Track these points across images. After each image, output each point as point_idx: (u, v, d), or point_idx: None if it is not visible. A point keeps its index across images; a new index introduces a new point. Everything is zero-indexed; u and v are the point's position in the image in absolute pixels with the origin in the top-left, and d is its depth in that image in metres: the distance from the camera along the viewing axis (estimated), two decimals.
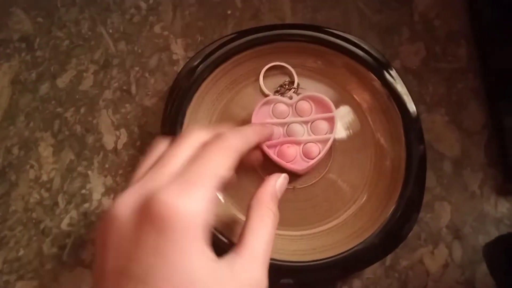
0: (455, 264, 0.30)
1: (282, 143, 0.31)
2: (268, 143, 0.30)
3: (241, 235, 0.20)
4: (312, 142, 0.31)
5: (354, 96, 0.33)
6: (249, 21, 0.37)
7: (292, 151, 0.30)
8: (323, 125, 0.31)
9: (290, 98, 0.32)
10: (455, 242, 0.31)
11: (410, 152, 0.30)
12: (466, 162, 0.33)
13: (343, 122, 0.33)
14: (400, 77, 0.32)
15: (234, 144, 0.21)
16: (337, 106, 0.33)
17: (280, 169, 0.30)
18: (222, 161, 0.20)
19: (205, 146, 0.21)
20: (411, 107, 0.31)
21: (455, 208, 0.32)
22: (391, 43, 0.36)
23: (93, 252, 0.20)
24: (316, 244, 0.29)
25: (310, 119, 0.31)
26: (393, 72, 0.32)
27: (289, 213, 0.30)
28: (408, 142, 0.30)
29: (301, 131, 0.31)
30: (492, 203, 0.32)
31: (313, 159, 0.30)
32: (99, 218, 0.33)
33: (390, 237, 0.28)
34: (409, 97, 0.32)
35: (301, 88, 0.34)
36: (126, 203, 0.18)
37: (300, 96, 0.32)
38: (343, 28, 0.36)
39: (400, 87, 0.32)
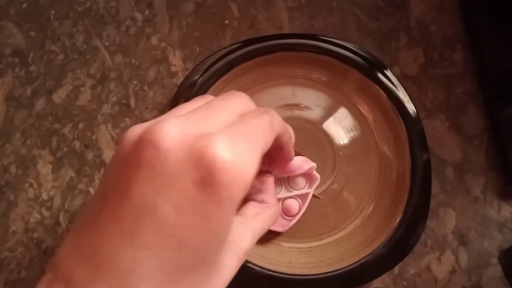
0: (462, 269, 0.30)
1: None
2: None
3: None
4: (292, 197, 0.29)
5: (357, 105, 0.33)
6: (247, 30, 0.37)
7: None
8: (301, 180, 0.29)
9: None
10: (461, 247, 0.31)
11: (415, 159, 0.30)
12: (467, 167, 0.33)
13: (345, 129, 0.33)
14: (400, 84, 0.32)
15: (277, 124, 0.20)
16: (338, 114, 0.33)
17: None
18: (269, 134, 0.19)
19: (255, 113, 0.19)
20: (414, 114, 0.32)
21: (460, 214, 0.32)
22: (389, 49, 0.37)
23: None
24: (325, 256, 0.29)
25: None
26: (394, 79, 0.33)
27: (297, 225, 0.29)
28: (412, 149, 0.31)
29: (278, 188, 0.29)
30: (495, 207, 0.32)
31: (294, 216, 0.29)
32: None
33: (398, 246, 0.28)
34: (411, 104, 0.32)
35: None
36: (174, 134, 0.16)
37: None
38: (341, 35, 0.37)
39: (402, 95, 0.32)
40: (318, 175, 0.29)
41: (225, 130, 0.17)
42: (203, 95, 0.21)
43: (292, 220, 0.29)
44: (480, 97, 0.35)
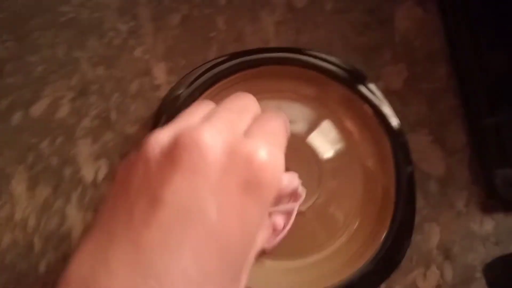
0: (447, 285, 0.31)
1: None
2: None
3: None
4: (276, 213, 0.28)
5: (341, 118, 0.33)
6: (233, 43, 0.36)
7: None
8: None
9: None
10: (446, 262, 0.31)
11: (399, 173, 0.30)
12: (451, 181, 0.34)
13: (329, 142, 0.33)
14: (385, 98, 0.32)
15: (286, 128, 0.21)
16: (322, 127, 0.33)
17: None
18: (286, 136, 0.20)
19: (272, 116, 0.20)
20: (398, 128, 0.32)
21: (444, 228, 0.32)
22: (374, 64, 0.37)
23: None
24: (312, 275, 0.28)
25: None
26: (379, 94, 0.33)
27: (282, 243, 0.29)
28: (396, 163, 0.31)
29: None
30: (478, 220, 0.33)
31: (279, 232, 0.27)
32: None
33: (385, 263, 0.28)
34: (396, 118, 0.32)
35: None
36: (216, 139, 0.16)
37: None
38: (327, 49, 0.37)
39: (387, 109, 0.32)
40: (303, 189, 0.29)
41: (259, 134, 0.18)
42: (204, 101, 0.22)
43: (278, 236, 0.29)
44: (462, 112, 0.36)
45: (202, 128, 0.17)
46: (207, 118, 0.18)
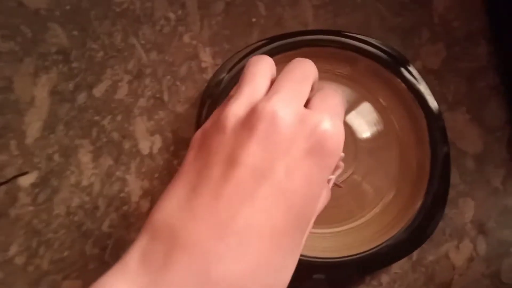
0: (480, 257, 0.31)
1: None
2: None
3: None
4: None
5: (379, 98, 0.35)
6: (273, 28, 0.39)
7: None
8: None
9: None
10: (480, 236, 0.32)
11: (435, 151, 0.31)
12: (488, 158, 0.34)
13: (367, 123, 0.34)
14: (422, 78, 0.33)
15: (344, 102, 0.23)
16: (362, 108, 0.34)
17: None
18: (343, 109, 0.22)
19: (328, 90, 0.22)
20: (435, 107, 0.33)
21: (479, 204, 0.33)
22: (412, 44, 0.37)
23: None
24: (346, 241, 0.30)
25: None
26: (416, 73, 0.33)
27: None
28: (432, 142, 0.32)
29: None
30: None
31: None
32: (139, 218, 0.35)
33: (417, 233, 0.29)
34: (432, 97, 0.33)
35: None
36: (287, 110, 0.19)
37: None
38: (364, 31, 0.38)
39: (423, 88, 0.33)
40: (341, 163, 0.31)
41: (323, 106, 0.20)
42: (259, 58, 0.24)
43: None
44: (503, 90, 0.36)
45: (273, 101, 0.19)
46: (275, 90, 0.20)
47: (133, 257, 0.17)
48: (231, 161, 0.18)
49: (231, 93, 0.27)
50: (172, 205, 0.18)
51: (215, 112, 0.21)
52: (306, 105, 0.21)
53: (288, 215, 0.18)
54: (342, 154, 0.30)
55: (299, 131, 0.18)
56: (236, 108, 0.19)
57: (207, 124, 0.20)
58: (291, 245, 0.18)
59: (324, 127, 0.18)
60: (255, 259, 0.16)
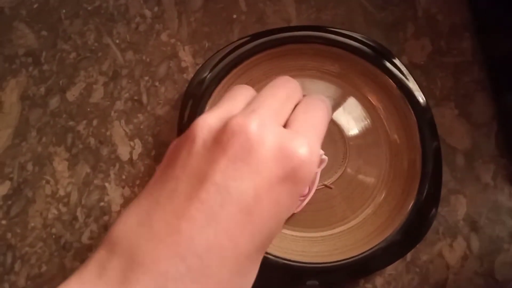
0: (474, 255, 0.31)
1: None
2: None
3: None
4: None
5: (366, 95, 0.34)
6: (255, 24, 0.37)
7: None
8: None
9: None
10: (472, 234, 0.31)
11: (425, 148, 0.31)
12: (477, 154, 0.34)
13: (355, 119, 0.33)
14: (409, 73, 0.32)
15: (328, 113, 0.22)
16: (348, 104, 0.34)
17: None
18: (327, 123, 0.21)
19: (315, 103, 0.21)
20: (423, 103, 0.32)
21: (470, 201, 0.32)
22: (397, 39, 0.37)
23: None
24: (338, 245, 0.29)
25: None
26: (404, 69, 0.33)
27: (308, 214, 0.30)
28: (422, 138, 0.31)
29: None
30: (506, 193, 0.33)
31: (305, 196, 0.29)
32: None
33: (410, 234, 0.29)
34: (421, 93, 0.32)
35: None
36: (263, 129, 0.18)
37: None
38: (348, 26, 0.37)
39: (411, 84, 0.32)
40: (325, 157, 0.30)
41: (302, 126, 0.19)
42: (242, 85, 0.23)
43: (303, 201, 0.30)
44: (488, 85, 0.36)
45: (250, 117, 0.18)
46: (254, 106, 0.19)
47: (90, 269, 0.16)
48: (199, 178, 0.17)
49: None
50: (131, 220, 0.17)
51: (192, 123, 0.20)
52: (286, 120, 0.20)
53: (252, 238, 0.17)
54: (325, 157, 0.29)
55: (274, 154, 0.17)
56: (211, 119, 0.18)
57: (182, 135, 0.19)
58: (253, 266, 0.18)
59: (301, 154, 0.18)
60: (216, 281, 0.16)
